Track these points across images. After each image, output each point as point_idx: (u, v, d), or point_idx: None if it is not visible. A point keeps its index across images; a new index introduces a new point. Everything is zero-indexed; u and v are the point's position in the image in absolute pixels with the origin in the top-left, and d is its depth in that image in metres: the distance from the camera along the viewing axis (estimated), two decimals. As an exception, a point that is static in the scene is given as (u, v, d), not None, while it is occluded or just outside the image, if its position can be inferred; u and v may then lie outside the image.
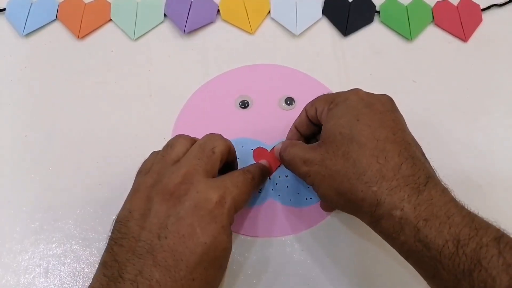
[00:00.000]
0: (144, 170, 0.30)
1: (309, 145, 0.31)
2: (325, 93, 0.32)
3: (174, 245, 0.26)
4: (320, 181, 0.29)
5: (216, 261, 0.27)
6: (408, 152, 0.27)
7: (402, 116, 0.30)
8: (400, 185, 0.26)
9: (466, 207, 0.26)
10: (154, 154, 0.32)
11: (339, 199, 0.28)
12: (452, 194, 0.27)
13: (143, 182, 0.29)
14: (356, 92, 0.31)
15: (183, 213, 0.27)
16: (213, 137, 0.31)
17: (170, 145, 0.31)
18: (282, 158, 0.33)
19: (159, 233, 0.26)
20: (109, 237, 0.28)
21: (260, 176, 0.34)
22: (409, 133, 0.29)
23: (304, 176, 0.30)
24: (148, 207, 0.27)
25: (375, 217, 0.26)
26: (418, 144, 0.30)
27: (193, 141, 0.31)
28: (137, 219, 0.27)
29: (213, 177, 0.29)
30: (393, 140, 0.28)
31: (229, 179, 0.30)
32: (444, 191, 0.26)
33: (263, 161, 0.36)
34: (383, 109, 0.30)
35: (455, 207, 0.25)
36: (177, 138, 0.31)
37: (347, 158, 0.28)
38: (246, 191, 0.30)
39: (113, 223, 0.28)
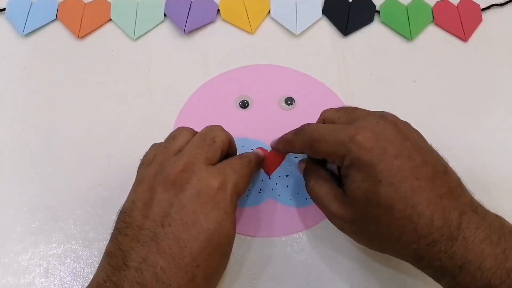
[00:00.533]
0: (147, 162, 0.31)
1: (337, 194, 0.30)
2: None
3: (178, 232, 0.26)
4: (354, 236, 0.30)
5: (219, 247, 0.27)
6: (435, 195, 0.26)
7: (416, 149, 0.27)
8: (436, 240, 0.25)
9: (503, 240, 0.25)
10: (155, 146, 0.32)
11: (380, 251, 0.30)
12: (487, 215, 0.26)
13: (146, 173, 0.29)
14: (359, 146, 0.27)
15: (185, 201, 0.27)
16: (214, 128, 0.32)
17: (172, 136, 0.32)
18: (307, 190, 0.33)
19: (162, 221, 0.26)
20: (113, 228, 0.28)
21: (256, 159, 0.34)
22: (430, 164, 0.27)
23: (333, 223, 0.31)
24: (151, 197, 0.28)
25: (418, 266, 0.27)
26: (440, 165, 0.28)
27: (195, 133, 0.32)
28: (141, 208, 0.27)
29: (214, 165, 0.30)
30: (419, 189, 0.26)
31: (227, 165, 0.30)
32: (479, 226, 0.25)
33: (257, 150, 0.36)
34: (397, 153, 0.27)
35: (489, 246, 0.25)
36: (180, 129, 0.32)
37: (379, 222, 0.27)
38: (245, 175, 0.31)
39: (118, 214, 0.28)
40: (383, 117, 0.29)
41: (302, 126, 0.32)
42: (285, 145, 0.34)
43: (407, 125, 0.29)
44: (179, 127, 0.33)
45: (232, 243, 0.29)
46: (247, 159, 0.32)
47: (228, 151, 0.32)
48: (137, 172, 0.31)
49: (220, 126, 0.32)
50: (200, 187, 0.27)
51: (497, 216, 0.27)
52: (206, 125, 0.32)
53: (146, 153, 0.32)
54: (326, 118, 0.32)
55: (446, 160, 0.29)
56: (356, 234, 0.30)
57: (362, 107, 0.32)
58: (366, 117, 0.29)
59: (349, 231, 0.30)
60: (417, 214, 0.26)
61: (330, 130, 0.29)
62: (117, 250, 0.26)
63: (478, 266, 0.24)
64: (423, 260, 0.26)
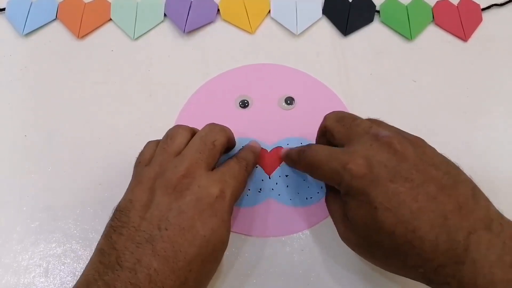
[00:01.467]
0: (144, 161, 0.31)
1: (344, 216, 0.29)
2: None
3: (174, 236, 0.26)
4: (364, 256, 0.30)
5: (213, 253, 0.28)
6: (439, 215, 0.25)
7: (416, 168, 0.26)
8: (442, 264, 0.24)
9: None
10: (152, 144, 0.32)
11: (392, 272, 0.28)
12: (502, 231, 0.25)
13: (146, 174, 0.29)
14: (351, 175, 0.27)
15: (184, 207, 0.27)
16: (214, 129, 0.32)
17: (170, 136, 0.31)
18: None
19: (159, 224, 0.27)
20: (107, 224, 0.28)
21: (253, 160, 0.34)
22: (434, 180, 0.26)
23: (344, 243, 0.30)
24: (150, 199, 0.28)
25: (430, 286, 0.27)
26: (447, 178, 0.26)
27: (192, 131, 0.32)
28: (138, 209, 0.27)
29: (213, 169, 0.30)
30: (419, 212, 0.25)
31: (227, 171, 0.30)
32: (490, 246, 0.24)
33: (252, 141, 0.36)
34: (392, 177, 0.26)
35: (501, 270, 0.23)
36: (177, 129, 0.32)
37: (382, 247, 0.26)
38: (243, 180, 0.32)
39: (113, 211, 0.28)
40: (378, 138, 0.27)
41: (304, 147, 0.31)
42: (291, 163, 0.35)
43: (404, 141, 0.27)
44: (175, 125, 0.33)
45: (225, 249, 0.29)
46: (245, 162, 0.32)
47: (228, 146, 0.33)
48: (135, 170, 0.31)
49: (219, 126, 0.32)
50: (200, 195, 0.28)
51: None
52: (207, 123, 0.33)
53: (142, 152, 0.32)
54: (327, 127, 0.31)
55: (460, 167, 0.27)
56: (364, 255, 0.29)
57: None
58: (360, 139, 0.28)
59: (358, 252, 0.30)
60: (419, 238, 0.24)
61: (326, 157, 0.29)
62: (111, 249, 0.26)
63: None
64: (432, 283, 0.26)
